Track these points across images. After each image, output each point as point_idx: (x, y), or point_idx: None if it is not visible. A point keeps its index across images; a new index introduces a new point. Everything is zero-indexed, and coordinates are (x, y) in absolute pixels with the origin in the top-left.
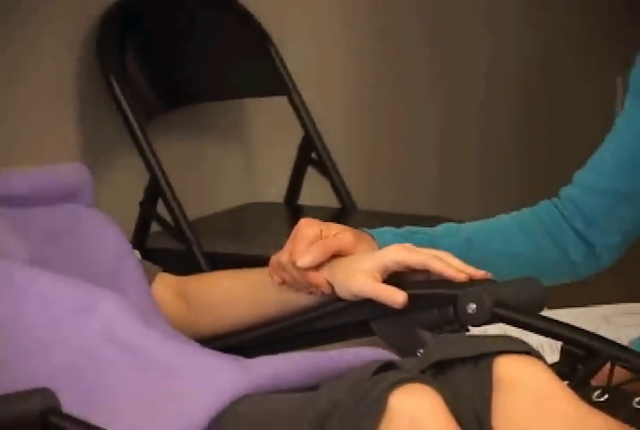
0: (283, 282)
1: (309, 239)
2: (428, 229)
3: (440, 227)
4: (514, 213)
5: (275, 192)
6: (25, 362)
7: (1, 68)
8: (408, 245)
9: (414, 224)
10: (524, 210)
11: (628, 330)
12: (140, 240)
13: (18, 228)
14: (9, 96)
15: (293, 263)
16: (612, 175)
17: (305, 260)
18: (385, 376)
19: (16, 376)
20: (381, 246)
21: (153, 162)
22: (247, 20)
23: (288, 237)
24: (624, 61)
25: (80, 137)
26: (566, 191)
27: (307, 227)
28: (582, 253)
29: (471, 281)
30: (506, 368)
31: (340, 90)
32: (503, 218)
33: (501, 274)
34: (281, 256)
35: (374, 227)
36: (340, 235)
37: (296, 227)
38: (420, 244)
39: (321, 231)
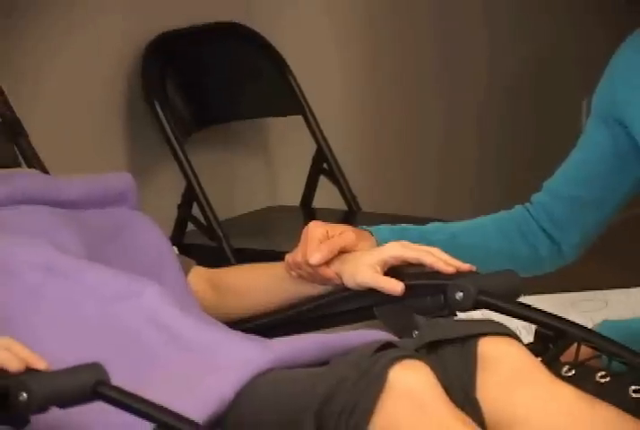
0: (299, 277)
1: (318, 239)
2: (418, 227)
3: (429, 225)
4: (493, 215)
5: (292, 197)
6: (79, 342)
7: (63, 93)
8: (404, 242)
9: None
10: (501, 212)
11: (592, 314)
12: (178, 238)
13: (72, 226)
14: (69, 116)
15: (306, 261)
16: (576, 184)
17: (316, 258)
18: (385, 354)
19: (71, 354)
20: (379, 241)
21: (189, 172)
22: (268, 50)
23: (301, 235)
24: (589, 87)
25: (127, 150)
26: (536, 197)
27: (315, 229)
28: (549, 250)
29: (458, 273)
30: (489, 348)
31: (348, 109)
32: (483, 218)
33: (479, 266)
34: (296, 256)
35: None
36: (343, 234)
37: (305, 229)
38: (412, 239)
39: (327, 232)
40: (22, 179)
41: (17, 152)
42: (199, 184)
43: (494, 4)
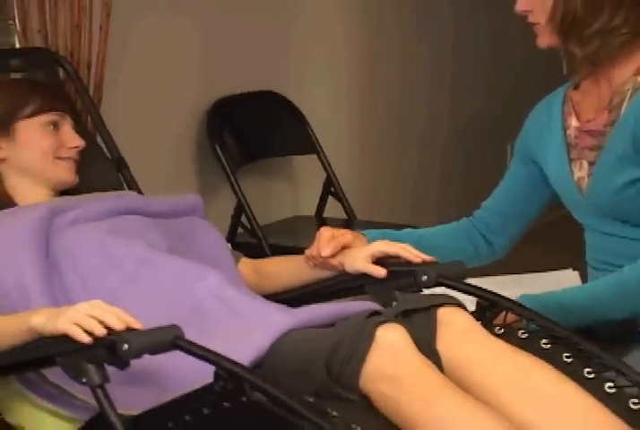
0: (315, 265)
1: (327, 239)
2: (396, 231)
3: (404, 230)
4: (448, 224)
5: (309, 209)
6: (163, 310)
7: (153, 139)
8: (387, 241)
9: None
10: (453, 223)
11: (515, 290)
12: (231, 238)
13: (158, 230)
14: (156, 154)
15: (319, 254)
16: (504, 204)
17: (326, 252)
18: (373, 319)
19: (158, 318)
20: (369, 240)
21: (239, 192)
22: (293, 110)
23: (315, 236)
24: (513, 135)
25: (197, 178)
26: (477, 213)
27: (325, 232)
28: (485, 250)
29: (424, 263)
30: (445, 314)
31: (348, 151)
32: (441, 226)
33: (438, 258)
34: (312, 250)
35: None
36: (345, 235)
37: (318, 232)
38: (392, 239)
39: (333, 234)
40: (127, 198)
41: (122, 179)
42: (246, 201)
43: (459, 77)
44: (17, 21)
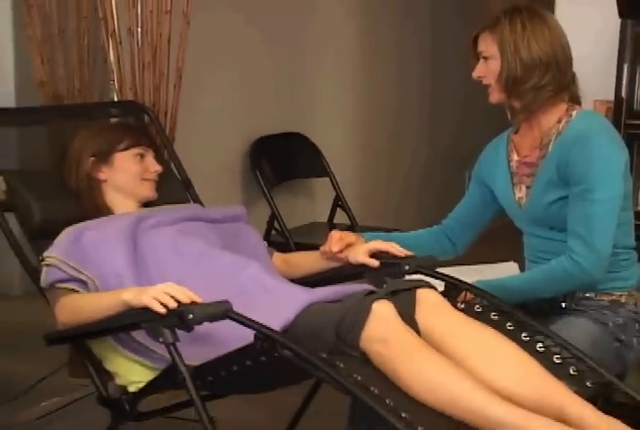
0: (327, 258)
1: (337, 239)
2: (387, 233)
3: (393, 233)
4: (424, 229)
5: (323, 217)
6: (217, 290)
7: (209, 167)
8: (380, 241)
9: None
10: (427, 228)
11: (473, 277)
12: (267, 237)
13: (215, 232)
14: (212, 177)
15: (330, 250)
16: (464, 215)
17: (336, 248)
18: (370, 296)
19: (213, 296)
20: (367, 240)
21: (273, 205)
22: (311, 145)
23: (327, 237)
24: (471, 164)
25: (242, 194)
26: (444, 221)
27: (335, 233)
28: (450, 248)
29: (406, 256)
30: (422, 294)
31: (354, 176)
32: (419, 230)
33: (417, 253)
34: (325, 247)
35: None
36: (349, 236)
37: (329, 234)
38: (383, 239)
39: (341, 235)
40: (192, 208)
41: (188, 195)
42: (277, 211)
43: (436, 125)
44: (115, 81)
